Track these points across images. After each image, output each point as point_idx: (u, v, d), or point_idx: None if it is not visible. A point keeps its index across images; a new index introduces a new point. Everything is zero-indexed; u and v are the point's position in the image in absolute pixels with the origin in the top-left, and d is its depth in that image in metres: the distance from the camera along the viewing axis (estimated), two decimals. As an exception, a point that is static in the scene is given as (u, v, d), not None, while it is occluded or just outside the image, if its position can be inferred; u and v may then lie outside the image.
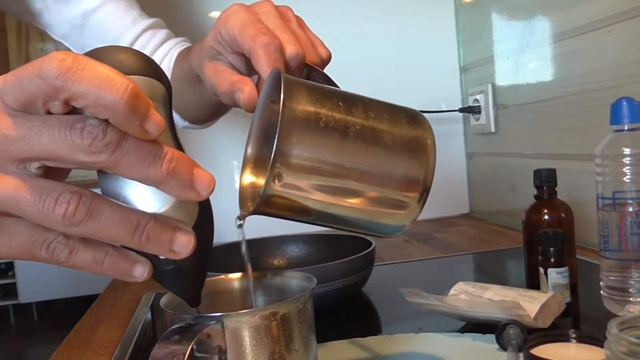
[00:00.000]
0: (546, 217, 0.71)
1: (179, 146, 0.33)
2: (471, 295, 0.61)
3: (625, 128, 0.58)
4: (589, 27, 0.89)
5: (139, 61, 0.31)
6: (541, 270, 0.65)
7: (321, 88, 0.42)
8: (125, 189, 0.31)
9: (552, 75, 1.01)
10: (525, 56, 1.09)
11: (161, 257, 0.33)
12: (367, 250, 0.71)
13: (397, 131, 0.41)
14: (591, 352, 0.46)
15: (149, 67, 0.32)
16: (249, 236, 0.46)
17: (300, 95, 0.39)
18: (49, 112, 0.28)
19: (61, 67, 0.26)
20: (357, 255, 0.70)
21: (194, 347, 0.35)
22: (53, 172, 0.30)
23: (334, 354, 0.56)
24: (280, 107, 0.38)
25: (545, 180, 0.71)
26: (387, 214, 0.42)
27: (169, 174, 0.29)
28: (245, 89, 0.50)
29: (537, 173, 0.72)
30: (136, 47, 0.82)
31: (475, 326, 0.60)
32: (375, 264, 0.76)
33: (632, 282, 0.58)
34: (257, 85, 0.50)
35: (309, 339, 0.42)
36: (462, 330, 0.60)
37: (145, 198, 0.31)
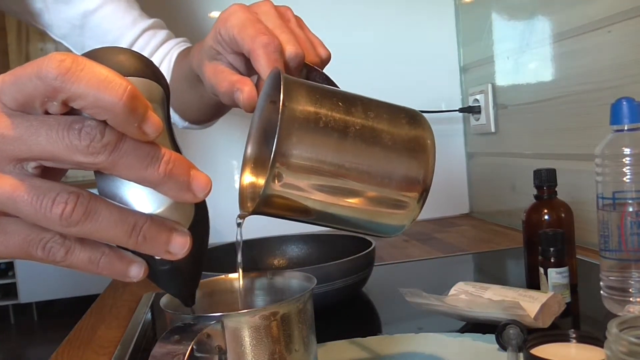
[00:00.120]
0: (546, 217, 0.71)
1: (176, 148, 0.33)
2: (471, 295, 0.61)
3: (625, 128, 0.58)
4: (589, 27, 0.89)
5: (138, 63, 0.31)
6: (541, 270, 0.65)
7: (321, 88, 0.42)
8: (122, 189, 0.31)
9: (552, 75, 1.01)
10: (525, 56, 1.09)
11: (157, 257, 0.33)
12: (367, 250, 0.71)
13: (396, 131, 0.41)
14: (591, 352, 0.46)
15: (148, 69, 0.32)
16: (249, 236, 0.46)
17: (300, 96, 0.39)
18: (47, 113, 0.28)
19: (60, 67, 0.26)
20: (357, 255, 0.70)
21: (194, 347, 0.35)
22: (50, 172, 0.30)
23: (334, 354, 0.56)
24: (280, 107, 0.38)
25: (545, 180, 0.71)
26: (387, 214, 0.42)
27: (166, 176, 0.30)
28: (245, 89, 0.50)
29: (537, 173, 0.72)
30: (136, 47, 0.82)
31: (475, 326, 0.60)
32: (375, 264, 0.76)
33: (632, 282, 0.58)
34: (257, 85, 0.50)
35: (309, 339, 0.42)
36: (462, 330, 0.60)
37: (142, 199, 0.31)
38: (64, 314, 3.24)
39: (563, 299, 0.60)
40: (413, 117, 0.43)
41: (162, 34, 0.83)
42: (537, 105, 1.06)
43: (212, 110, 0.75)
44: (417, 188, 0.41)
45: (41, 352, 2.92)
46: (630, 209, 0.58)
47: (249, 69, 0.53)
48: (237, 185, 0.46)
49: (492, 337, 0.53)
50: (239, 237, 0.44)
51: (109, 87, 0.27)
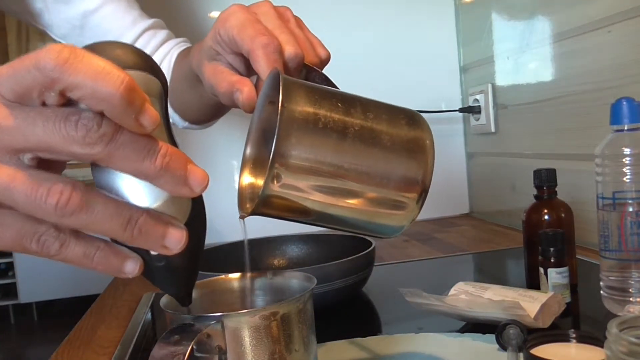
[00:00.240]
0: (546, 217, 0.71)
1: (173, 143, 0.33)
2: (471, 295, 0.61)
3: (625, 128, 0.58)
4: (589, 27, 0.89)
5: (136, 57, 0.31)
6: (541, 270, 0.65)
7: (320, 89, 0.42)
8: (118, 183, 0.31)
9: (552, 75, 1.01)
10: (525, 56, 1.09)
11: (153, 253, 0.33)
12: (367, 250, 0.71)
13: (395, 132, 0.41)
14: (591, 352, 0.46)
15: (146, 63, 0.32)
16: (249, 236, 0.46)
17: (299, 96, 0.39)
18: (44, 105, 0.28)
19: (58, 58, 0.26)
20: (357, 255, 0.70)
21: (194, 347, 0.35)
22: (48, 168, 0.30)
23: (334, 354, 0.56)
24: (279, 107, 0.38)
25: (545, 180, 0.71)
26: (386, 215, 0.42)
27: (163, 169, 0.29)
28: (244, 89, 0.50)
29: (537, 173, 0.72)
30: (136, 47, 0.82)
31: (475, 326, 0.60)
32: (375, 264, 0.76)
33: (632, 282, 0.58)
34: (256, 86, 0.50)
35: (309, 339, 0.42)
36: (462, 330, 0.60)
37: (138, 193, 0.31)
38: (64, 314, 3.24)
39: (563, 299, 0.60)
40: (412, 118, 0.43)
41: (162, 34, 0.83)
42: (537, 105, 1.06)
43: (212, 111, 0.75)
44: (416, 188, 0.41)
45: (41, 352, 2.92)
46: (630, 209, 0.58)
47: (248, 70, 0.53)
48: (236, 186, 0.46)
49: (492, 337, 0.53)
50: (244, 236, 0.44)
51: (106, 78, 0.27)
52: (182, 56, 0.76)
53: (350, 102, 0.41)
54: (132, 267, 0.32)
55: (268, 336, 0.39)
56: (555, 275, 0.64)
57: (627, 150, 0.57)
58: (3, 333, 3.37)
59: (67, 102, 0.28)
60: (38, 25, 0.84)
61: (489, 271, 0.94)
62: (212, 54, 0.54)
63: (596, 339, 0.45)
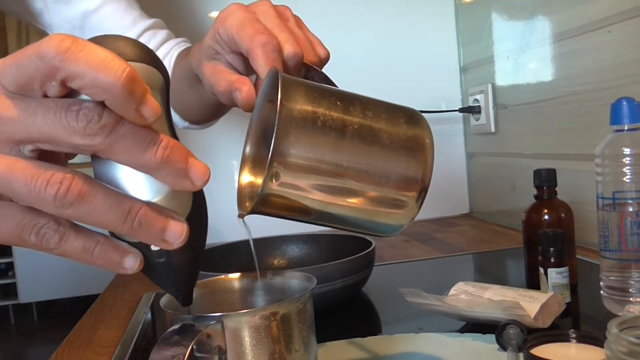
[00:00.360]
0: (546, 217, 0.71)
1: (174, 136, 0.33)
2: (471, 295, 0.61)
3: (625, 128, 0.58)
4: (589, 27, 0.89)
5: (137, 49, 0.31)
6: (541, 270, 0.65)
7: (319, 87, 0.42)
8: (118, 175, 0.31)
9: (552, 75, 1.01)
10: (525, 56, 1.09)
11: (153, 248, 0.32)
12: (367, 250, 0.71)
13: (395, 130, 0.41)
14: (591, 352, 0.46)
15: (148, 56, 0.31)
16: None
17: (298, 95, 0.39)
18: (45, 96, 0.28)
19: (60, 47, 0.26)
20: (357, 255, 0.70)
21: (194, 347, 0.35)
22: (49, 161, 0.30)
23: (334, 354, 0.56)
24: (278, 106, 0.38)
25: (545, 180, 0.71)
26: (386, 213, 0.42)
27: (164, 161, 0.29)
28: (244, 88, 0.50)
29: (537, 173, 0.72)
30: (136, 47, 0.81)
31: (475, 326, 0.59)
32: (375, 264, 0.76)
33: (632, 282, 0.58)
34: (255, 85, 0.50)
35: (309, 339, 0.42)
36: (462, 330, 0.60)
37: (138, 186, 0.31)
38: (64, 314, 3.24)
39: (563, 299, 0.60)
40: (411, 117, 0.43)
41: (162, 34, 0.83)
42: (537, 105, 1.06)
43: (212, 110, 0.75)
44: (415, 187, 0.41)
45: (41, 352, 2.92)
46: (630, 209, 0.58)
47: (247, 69, 0.53)
48: (236, 185, 0.46)
49: (492, 337, 0.53)
50: (248, 233, 0.44)
51: (107, 67, 0.27)
52: (182, 56, 0.76)
53: (349, 101, 0.41)
54: (132, 262, 0.32)
55: (268, 336, 0.39)
56: (555, 275, 0.64)
57: (627, 150, 0.57)
58: (3, 333, 3.37)
59: (69, 94, 0.28)
60: (38, 25, 0.85)
61: (489, 271, 0.94)
62: (212, 53, 0.54)
63: (596, 339, 0.45)
